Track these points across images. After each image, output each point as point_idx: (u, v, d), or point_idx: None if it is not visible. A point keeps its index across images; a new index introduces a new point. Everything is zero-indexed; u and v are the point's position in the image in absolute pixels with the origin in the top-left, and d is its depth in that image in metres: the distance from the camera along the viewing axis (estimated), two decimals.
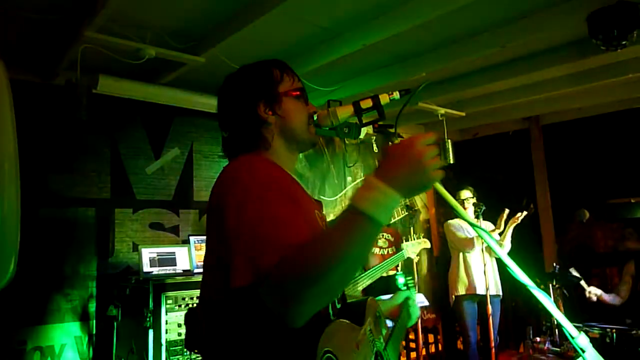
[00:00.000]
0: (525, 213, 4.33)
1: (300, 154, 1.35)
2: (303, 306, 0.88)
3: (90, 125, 3.76)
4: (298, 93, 1.28)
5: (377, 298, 1.67)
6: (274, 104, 1.24)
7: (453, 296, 4.57)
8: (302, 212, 1.09)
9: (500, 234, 4.38)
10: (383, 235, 4.62)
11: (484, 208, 4.22)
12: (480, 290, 4.35)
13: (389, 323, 1.41)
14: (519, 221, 4.32)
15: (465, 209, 4.37)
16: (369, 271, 4.03)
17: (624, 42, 2.77)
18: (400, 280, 3.68)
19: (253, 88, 1.26)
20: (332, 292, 0.91)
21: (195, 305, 3.36)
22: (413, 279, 1.76)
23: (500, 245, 4.35)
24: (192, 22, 3.10)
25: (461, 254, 4.60)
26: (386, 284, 4.27)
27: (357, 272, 0.92)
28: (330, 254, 0.87)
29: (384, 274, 4.35)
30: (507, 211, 4.30)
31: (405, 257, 4.17)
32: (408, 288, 1.82)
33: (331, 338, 1.01)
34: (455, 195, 4.57)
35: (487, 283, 4.17)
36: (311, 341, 0.98)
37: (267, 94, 1.25)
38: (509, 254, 1.21)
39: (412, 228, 4.54)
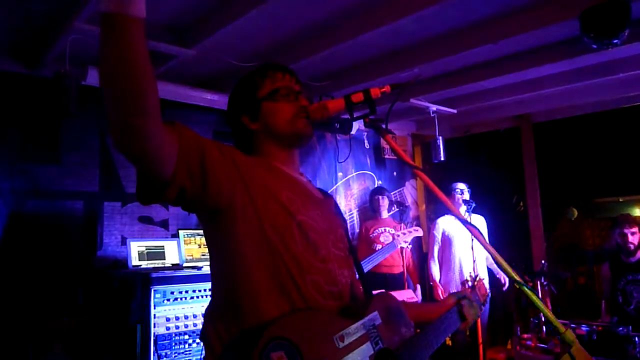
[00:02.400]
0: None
1: (297, 149, 1.37)
2: (110, 120, 0.95)
3: (79, 117, 3.71)
4: (275, 93, 1.31)
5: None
6: (254, 113, 1.31)
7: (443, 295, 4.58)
8: (225, 159, 1.12)
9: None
10: (386, 230, 4.62)
11: (474, 205, 4.23)
12: None
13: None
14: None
15: (470, 201, 4.34)
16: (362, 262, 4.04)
17: (615, 41, 2.79)
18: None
19: (236, 103, 1.37)
20: (119, 93, 0.93)
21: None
22: (478, 275, 1.69)
23: None
24: (183, 14, 3.07)
25: (451, 251, 4.61)
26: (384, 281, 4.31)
27: (132, 78, 0.88)
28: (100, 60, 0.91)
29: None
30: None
31: (398, 247, 4.17)
32: (470, 287, 1.72)
33: (289, 326, 0.97)
34: (450, 187, 4.58)
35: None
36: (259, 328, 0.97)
37: (247, 105, 1.33)
38: (497, 250, 1.21)
39: (402, 224, 4.54)
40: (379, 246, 4.52)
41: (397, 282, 4.47)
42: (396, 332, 1.21)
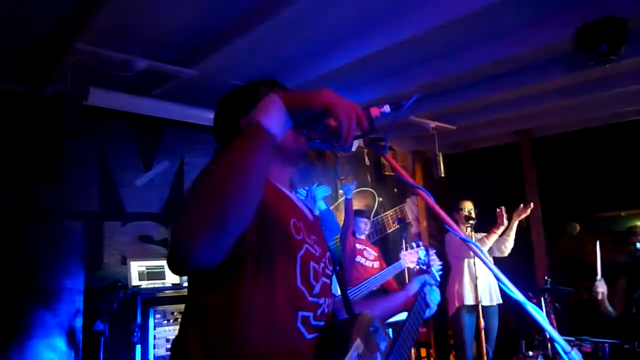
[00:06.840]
0: (532, 204, 4.38)
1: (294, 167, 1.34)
2: (199, 235, 0.81)
3: (80, 137, 3.73)
4: None
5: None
6: None
7: (456, 307, 4.47)
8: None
9: (504, 231, 4.39)
10: (366, 249, 4.58)
11: (475, 222, 4.21)
12: (485, 302, 4.31)
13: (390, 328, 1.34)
14: (528, 212, 4.38)
15: (474, 218, 4.33)
16: (364, 283, 3.99)
17: (612, 57, 2.80)
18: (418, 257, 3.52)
19: (237, 105, 1.31)
20: (228, 212, 0.82)
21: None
22: (434, 256, 1.70)
23: (506, 240, 4.41)
24: (184, 35, 3.09)
25: (466, 263, 4.51)
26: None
27: (254, 191, 0.88)
28: (221, 164, 0.88)
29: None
30: (503, 208, 4.35)
31: (404, 267, 4.12)
32: (427, 270, 1.72)
33: None
34: (457, 205, 4.54)
35: (481, 294, 4.15)
36: None
37: (250, 111, 1.23)
38: (500, 266, 1.20)
39: (403, 241, 4.51)
40: (362, 259, 4.47)
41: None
42: (378, 350, 1.18)
